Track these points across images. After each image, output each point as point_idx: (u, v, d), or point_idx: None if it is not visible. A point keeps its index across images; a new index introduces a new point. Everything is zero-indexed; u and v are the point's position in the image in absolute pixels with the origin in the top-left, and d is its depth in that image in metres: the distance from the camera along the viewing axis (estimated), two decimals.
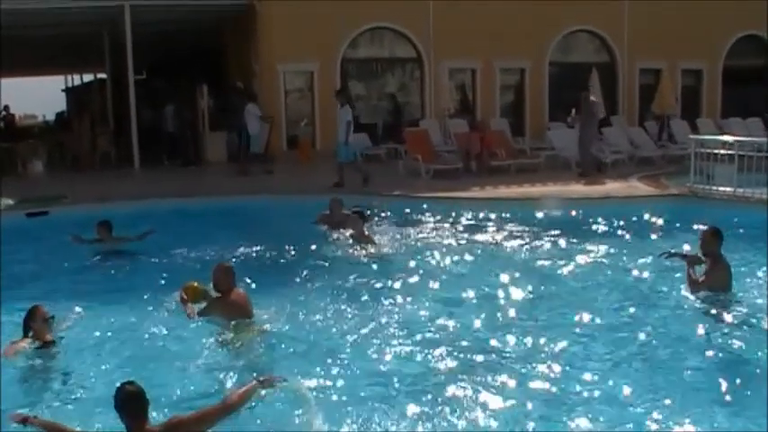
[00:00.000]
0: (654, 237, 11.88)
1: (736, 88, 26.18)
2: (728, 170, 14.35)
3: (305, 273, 10.10)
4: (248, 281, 8.91)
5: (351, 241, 11.54)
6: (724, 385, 6.41)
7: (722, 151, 14.70)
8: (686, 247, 9.69)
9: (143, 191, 16.73)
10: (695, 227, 10.59)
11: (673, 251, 9.41)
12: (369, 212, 12.40)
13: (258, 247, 11.46)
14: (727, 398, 6.25)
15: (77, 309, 8.50)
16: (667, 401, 6.17)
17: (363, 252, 11.18)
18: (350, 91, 23.22)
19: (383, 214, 13.68)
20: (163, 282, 9.58)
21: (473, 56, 23.55)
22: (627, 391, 6.38)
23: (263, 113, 20.30)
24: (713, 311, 8.12)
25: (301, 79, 23.22)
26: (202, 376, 6.91)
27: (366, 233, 11.58)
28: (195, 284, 8.41)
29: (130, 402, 5.10)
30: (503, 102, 25.11)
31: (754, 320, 7.94)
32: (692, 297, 8.44)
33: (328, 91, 20.70)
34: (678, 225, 12.40)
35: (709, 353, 7.20)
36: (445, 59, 23.14)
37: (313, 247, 11.51)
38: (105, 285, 10.09)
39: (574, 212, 13.91)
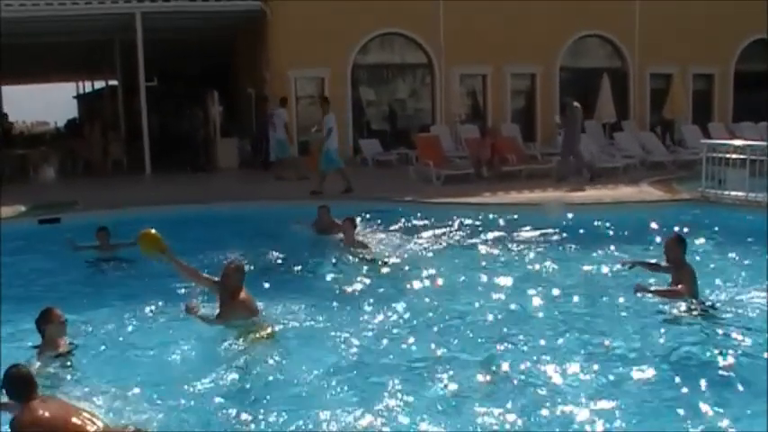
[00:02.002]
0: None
1: (747, 92, 26.03)
2: (740, 174, 14.29)
3: (298, 277, 10.45)
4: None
5: (342, 247, 11.73)
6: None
7: (734, 156, 14.64)
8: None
9: (154, 197, 16.76)
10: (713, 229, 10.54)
11: (634, 260, 9.42)
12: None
13: (258, 252, 11.54)
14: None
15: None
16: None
17: (356, 257, 11.30)
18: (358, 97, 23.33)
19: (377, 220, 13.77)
20: (168, 286, 9.56)
21: (484, 61, 23.54)
22: (646, 395, 6.39)
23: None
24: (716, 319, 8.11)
25: (312, 85, 23.24)
26: (215, 377, 6.92)
27: (359, 239, 11.84)
28: (152, 231, 8.22)
29: (21, 383, 5.51)
30: (514, 107, 25.05)
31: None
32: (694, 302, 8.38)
33: (340, 97, 20.75)
34: (690, 230, 12.31)
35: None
36: (456, 65, 23.14)
37: (306, 252, 11.80)
38: (114, 291, 10.13)
39: (585, 217, 13.84)
